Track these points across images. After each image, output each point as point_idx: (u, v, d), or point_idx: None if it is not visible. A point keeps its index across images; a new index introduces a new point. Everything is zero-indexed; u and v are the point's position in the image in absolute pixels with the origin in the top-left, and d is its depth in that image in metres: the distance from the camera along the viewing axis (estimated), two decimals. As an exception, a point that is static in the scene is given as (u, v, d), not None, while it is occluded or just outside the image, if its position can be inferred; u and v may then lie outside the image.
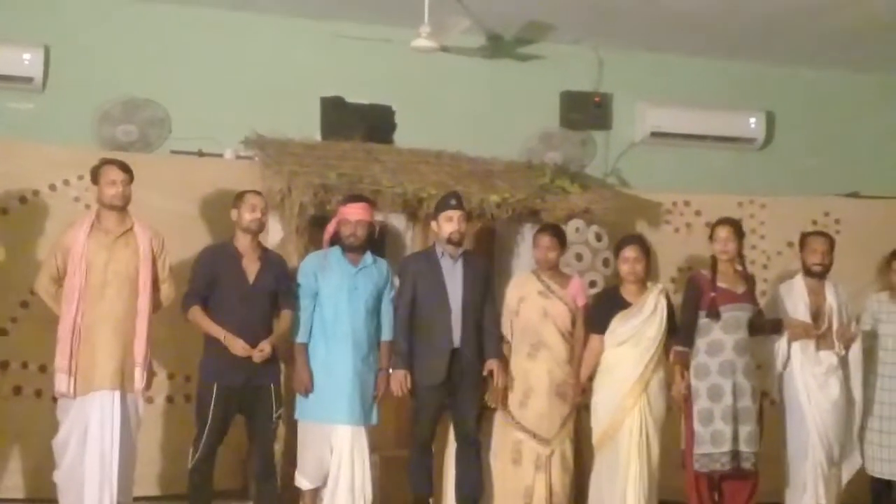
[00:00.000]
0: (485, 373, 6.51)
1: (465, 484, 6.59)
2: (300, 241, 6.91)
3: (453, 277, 6.52)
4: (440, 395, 6.47)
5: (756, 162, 9.06)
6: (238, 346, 6.04)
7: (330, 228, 6.49)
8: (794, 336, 6.78)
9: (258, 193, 6.36)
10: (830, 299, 6.89)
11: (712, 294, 6.58)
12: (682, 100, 8.81)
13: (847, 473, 6.95)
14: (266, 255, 6.32)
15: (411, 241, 7.28)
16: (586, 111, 8.67)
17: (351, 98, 7.96)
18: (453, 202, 6.53)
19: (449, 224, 6.49)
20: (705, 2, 7.54)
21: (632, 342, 6.48)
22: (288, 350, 6.38)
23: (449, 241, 6.50)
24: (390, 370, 6.44)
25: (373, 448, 6.43)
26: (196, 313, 6.13)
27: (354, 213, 6.41)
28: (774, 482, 6.79)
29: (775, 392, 6.95)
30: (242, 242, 6.24)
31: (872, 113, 9.30)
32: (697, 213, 8.15)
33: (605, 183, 8.42)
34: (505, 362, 6.59)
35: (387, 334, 6.50)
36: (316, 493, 6.40)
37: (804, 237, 7.04)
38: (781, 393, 6.88)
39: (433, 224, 6.62)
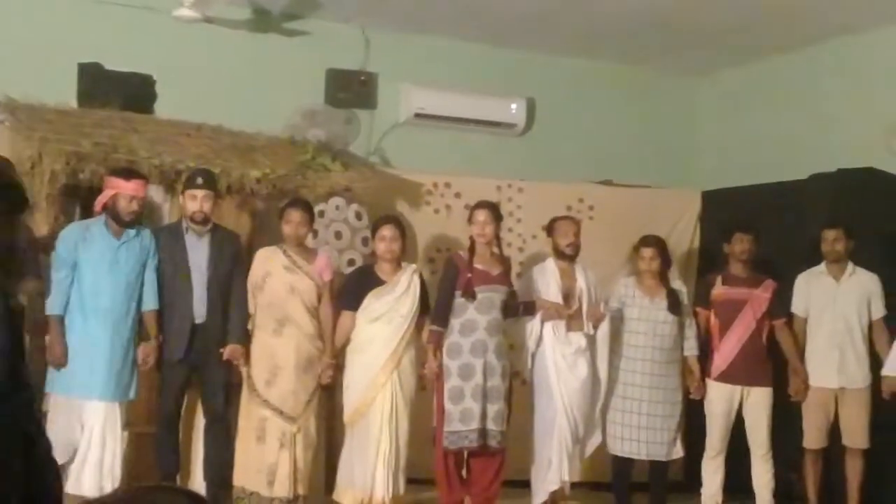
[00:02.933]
0: (225, 357, 6.47)
1: (213, 462, 6.53)
2: (50, 211, 6.67)
3: (198, 253, 6.48)
4: (183, 372, 6.43)
5: (516, 147, 9.22)
6: None
7: (103, 200, 6.30)
8: (547, 316, 6.91)
9: None
10: (580, 281, 7.07)
11: (468, 275, 6.69)
12: (446, 83, 8.89)
13: (588, 450, 7.18)
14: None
15: (168, 213, 7.12)
16: (351, 90, 8.64)
17: (110, 65, 7.73)
18: (199, 181, 6.47)
19: (193, 202, 6.43)
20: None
21: (385, 319, 6.56)
22: (39, 322, 6.18)
23: (192, 219, 6.44)
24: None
25: (125, 424, 6.32)
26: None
27: (134, 189, 6.27)
28: (522, 460, 6.94)
29: (526, 372, 7.09)
30: (-24, 212, 5.99)
31: (626, 104, 9.59)
32: (457, 195, 8.25)
33: (367, 162, 8.41)
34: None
35: (150, 304, 6.37)
36: (62, 468, 6.21)
37: (553, 221, 7.22)
38: (532, 372, 7.03)
39: (181, 198, 6.53)
